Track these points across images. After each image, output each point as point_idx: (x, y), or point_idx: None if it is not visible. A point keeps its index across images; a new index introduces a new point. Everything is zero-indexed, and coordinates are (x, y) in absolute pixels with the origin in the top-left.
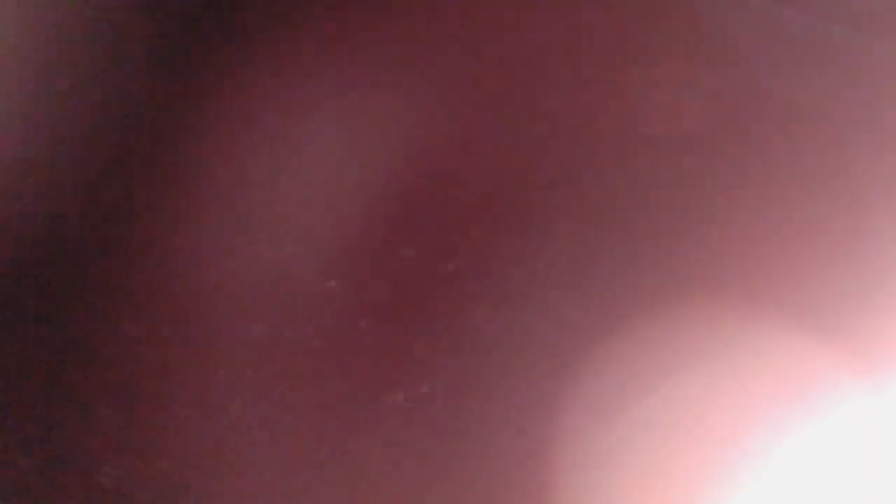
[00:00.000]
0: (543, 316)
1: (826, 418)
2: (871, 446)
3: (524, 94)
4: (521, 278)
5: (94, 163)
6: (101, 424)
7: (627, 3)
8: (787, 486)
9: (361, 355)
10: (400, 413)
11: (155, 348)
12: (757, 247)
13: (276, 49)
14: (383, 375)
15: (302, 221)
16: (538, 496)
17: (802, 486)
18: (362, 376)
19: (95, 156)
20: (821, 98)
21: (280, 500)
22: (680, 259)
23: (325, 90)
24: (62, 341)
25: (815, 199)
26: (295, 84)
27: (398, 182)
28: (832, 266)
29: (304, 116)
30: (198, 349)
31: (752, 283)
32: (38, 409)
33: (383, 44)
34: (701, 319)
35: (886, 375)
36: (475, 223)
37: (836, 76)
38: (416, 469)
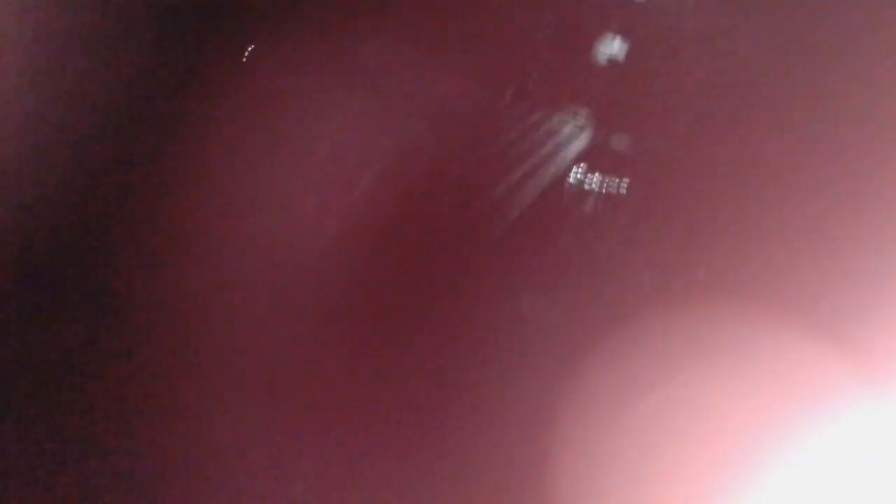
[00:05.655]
0: (545, 316)
1: (828, 420)
2: (872, 449)
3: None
4: (522, 280)
5: (95, 163)
6: (102, 424)
7: None
8: (788, 488)
9: (361, 357)
10: (400, 416)
11: (156, 350)
12: (758, 248)
13: (279, 50)
14: (384, 380)
15: (301, 229)
16: (539, 496)
17: (803, 487)
18: (363, 379)
19: (96, 155)
20: (819, 97)
21: (279, 502)
22: (681, 261)
23: (326, 92)
24: (62, 342)
25: (817, 200)
26: (298, 88)
27: (397, 188)
28: (835, 268)
29: (305, 120)
30: (197, 351)
31: (754, 284)
32: (37, 408)
33: (384, 52)
34: (702, 322)
35: (888, 377)
36: (473, 228)
37: (834, 76)
38: (416, 470)
